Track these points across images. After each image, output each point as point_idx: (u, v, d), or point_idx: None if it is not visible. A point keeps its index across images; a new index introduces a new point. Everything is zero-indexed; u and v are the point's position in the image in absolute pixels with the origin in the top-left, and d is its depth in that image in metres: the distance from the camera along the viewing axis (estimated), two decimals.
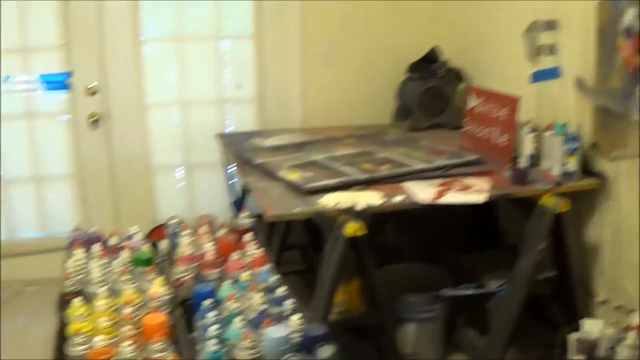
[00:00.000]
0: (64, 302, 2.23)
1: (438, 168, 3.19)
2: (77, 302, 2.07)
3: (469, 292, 3.21)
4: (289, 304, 2.03)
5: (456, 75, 4.14)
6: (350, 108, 4.40)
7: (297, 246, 4.19)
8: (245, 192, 3.97)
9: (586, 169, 3.04)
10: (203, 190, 4.50)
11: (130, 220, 4.01)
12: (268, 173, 3.22)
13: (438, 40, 4.25)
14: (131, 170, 4.33)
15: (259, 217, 2.90)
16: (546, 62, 3.29)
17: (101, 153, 4.28)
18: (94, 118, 4.21)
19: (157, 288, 2.14)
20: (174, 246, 2.56)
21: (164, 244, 2.65)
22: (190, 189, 4.51)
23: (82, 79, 4.17)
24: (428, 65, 4.15)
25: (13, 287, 4.30)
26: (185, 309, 2.16)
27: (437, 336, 3.39)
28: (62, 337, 2.06)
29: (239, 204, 4.00)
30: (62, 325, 2.11)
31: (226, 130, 4.41)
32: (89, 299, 2.14)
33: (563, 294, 3.07)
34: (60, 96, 4.25)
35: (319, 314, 2.74)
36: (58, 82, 4.21)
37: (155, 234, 2.75)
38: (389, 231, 3.83)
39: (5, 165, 4.29)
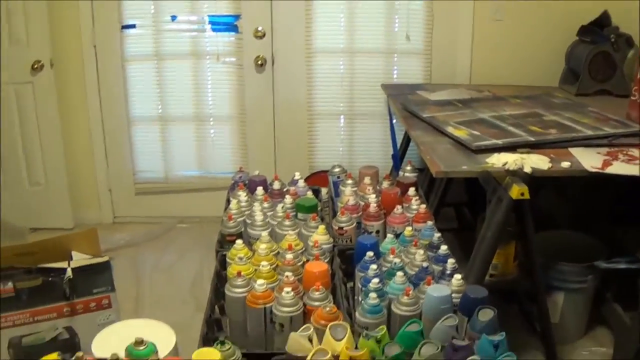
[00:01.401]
0: (224, 242, 2.26)
1: (606, 136, 3.03)
2: (238, 243, 2.09)
3: (622, 265, 3.07)
4: (450, 263, 1.98)
5: (627, 42, 3.92)
6: (517, 68, 4.25)
7: (453, 204, 4.13)
8: (408, 144, 3.93)
9: None
10: (363, 140, 4.48)
11: (288, 165, 4.09)
12: (434, 128, 3.16)
13: (610, 5, 4.02)
14: (292, 116, 4.37)
15: (421, 171, 2.86)
16: None
17: (264, 97, 4.33)
18: (259, 61, 4.25)
19: (320, 236, 2.14)
20: (335, 194, 2.55)
21: (324, 192, 2.65)
22: (350, 138, 4.49)
23: (250, 22, 4.21)
24: (599, 30, 3.95)
25: (166, 223, 4.44)
26: (345, 259, 2.14)
27: (585, 307, 3.29)
28: (221, 278, 2.09)
29: (401, 157, 3.97)
30: (222, 266, 2.14)
31: (391, 82, 4.34)
32: (249, 241, 2.16)
33: None
34: (227, 38, 4.29)
35: (475, 275, 2.68)
36: (226, 24, 4.27)
37: (314, 180, 2.75)
38: (544, 196, 3.71)
39: (168, 104, 4.41)
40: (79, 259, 2.93)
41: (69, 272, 2.79)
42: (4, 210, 4.47)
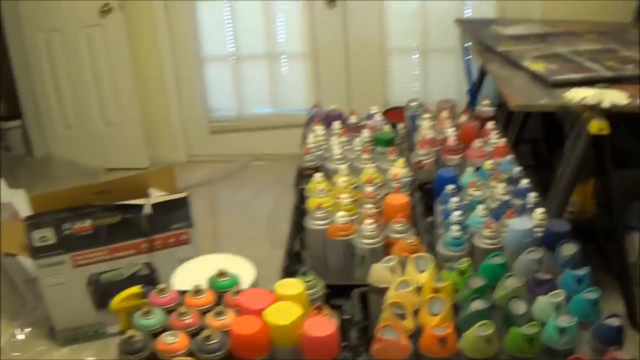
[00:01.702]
0: (302, 176, 2.25)
1: None
2: (317, 177, 2.08)
3: None
4: (532, 196, 1.93)
5: None
6: (590, 3, 4.10)
7: (529, 140, 4.05)
8: (483, 79, 3.86)
9: None
10: (437, 75, 4.42)
11: (362, 101, 4.05)
12: (510, 62, 3.09)
13: None
14: (365, 52, 4.32)
15: (498, 106, 2.80)
16: None
17: (337, 33, 4.29)
18: None
19: (399, 169, 2.11)
20: (412, 129, 2.52)
21: (401, 126, 2.62)
22: (424, 73, 4.43)
23: None
24: None
25: (241, 161, 4.46)
26: (424, 192, 2.11)
27: None
28: (300, 211, 2.08)
29: (476, 92, 3.90)
30: (301, 200, 2.13)
31: (465, 17, 4.25)
32: (328, 175, 2.15)
33: None
34: None
35: (554, 212, 2.63)
36: None
37: (389, 116, 2.71)
38: (621, 134, 3.61)
39: (240, 42, 4.40)
40: (157, 195, 2.96)
41: (148, 209, 2.82)
42: (79, 151, 4.56)
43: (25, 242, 2.92)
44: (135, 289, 1.68)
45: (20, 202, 3.72)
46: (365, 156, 2.19)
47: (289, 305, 1.43)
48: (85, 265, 2.90)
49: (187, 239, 2.89)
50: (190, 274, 2.13)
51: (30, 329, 3.24)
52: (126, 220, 2.84)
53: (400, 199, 1.93)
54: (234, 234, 3.69)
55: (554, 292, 1.49)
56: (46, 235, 2.84)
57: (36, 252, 2.87)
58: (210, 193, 4.17)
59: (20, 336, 3.21)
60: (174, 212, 2.86)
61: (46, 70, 4.56)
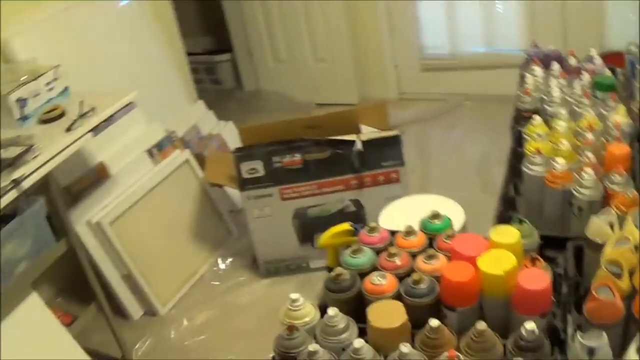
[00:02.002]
0: (520, 119, 2.16)
1: None
2: (537, 119, 1.98)
3: None
4: None
5: None
6: None
7: None
8: None
9: None
10: None
11: (578, 42, 3.81)
12: None
13: None
14: None
15: None
16: None
17: None
18: None
19: (620, 117, 1.97)
20: (632, 75, 2.33)
21: (620, 72, 2.43)
22: None
23: None
24: None
25: (452, 100, 4.37)
26: None
27: None
28: (517, 155, 2.00)
29: None
30: (517, 143, 2.05)
31: None
32: (545, 118, 2.04)
33: None
34: None
35: None
36: None
37: (608, 60, 2.52)
38: None
39: None
40: (368, 132, 2.95)
41: (359, 145, 2.82)
42: (289, 86, 4.64)
43: (232, 174, 3.02)
44: (345, 225, 1.67)
45: (228, 134, 3.86)
46: (585, 101, 2.06)
47: (503, 254, 1.37)
48: (293, 199, 2.97)
49: (397, 178, 2.87)
50: (399, 214, 2.11)
51: (232, 259, 3.39)
52: (336, 155, 2.87)
53: (621, 148, 1.80)
54: (443, 175, 3.64)
55: None
56: (255, 168, 2.93)
57: (244, 184, 2.98)
58: (419, 132, 4.13)
59: (222, 265, 3.36)
60: (385, 150, 2.85)
61: (257, 4, 4.65)
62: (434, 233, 1.58)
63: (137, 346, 2.98)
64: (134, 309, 3.16)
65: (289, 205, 3.00)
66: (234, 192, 3.62)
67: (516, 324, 1.28)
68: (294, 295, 1.40)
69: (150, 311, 3.18)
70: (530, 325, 1.22)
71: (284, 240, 3.09)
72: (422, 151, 3.94)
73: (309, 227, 3.04)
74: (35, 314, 2.43)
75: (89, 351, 2.58)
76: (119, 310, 3.09)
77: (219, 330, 2.99)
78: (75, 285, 2.91)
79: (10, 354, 2.31)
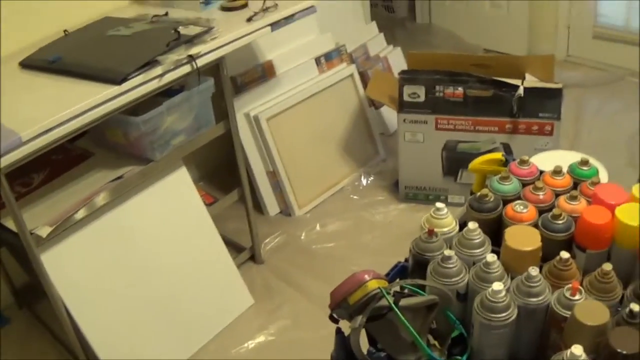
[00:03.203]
0: None
1: None
2: None
3: None
4: None
5: None
6: None
7: None
8: None
9: None
10: None
11: None
12: None
13: None
14: None
15: None
16: None
17: None
18: None
19: None
20: None
21: None
22: None
23: None
24: None
25: (616, 73, 4.28)
26: None
27: None
28: None
29: None
30: None
31: None
32: None
33: None
34: None
35: None
36: None
37: None
38: None
39: None
40: (532, 80, 2.97)
41: (521, 90, 2.85)
42: (460, 25, 4.64)
43: (393, 95, 3.10)
44: (498, 155, 1.75)
45: (394, 59, 3.93)
46: None
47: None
48: (446, 130, 3.03)
49: (551, 131, 2.88)
50: (547, 162, 2.15)
51: (374, 178, 3.50)
52: (497, 96, 2.90)
53: None
54: (592, 142, 3.60)
55: None
56: (417, 93, 3.01)
57: (403, 106, 3.06)
58: (579, 96, 4.07)
59: (364, 182, 3.48)
60: (545, 101, 2.85)
61: None
62: (580, 178, 1.63)
63: (266, 240, 3.17)
64: (271, 206, 3.34)
65: (441, 136, 3.06)
66: (388, 116, 3.72)
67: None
68: (439, 204, 1.51)
69: (286, 211, 3.35)
70: None
71: (429, 169, 3.17)
72: (577, 115, 3.89)
73: (455, 161, 3.10)
74: (181, 186, 2.60)
75: (220, 235, 2.75)
76: (256, 205, 3.26)
77: (348, 242, 3.12)
78: (217, 174, 3.07)
79: (152, 218, 2.50)
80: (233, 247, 2.95)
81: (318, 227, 3.23)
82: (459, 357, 1.34)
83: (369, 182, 3.49)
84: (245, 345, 2.66)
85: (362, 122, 3.58)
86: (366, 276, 1.36)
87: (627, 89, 4.15)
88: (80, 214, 2.22)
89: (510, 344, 1.32)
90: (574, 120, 3.82)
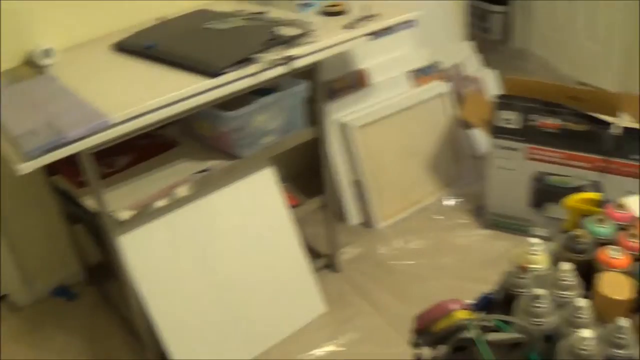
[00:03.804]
0: None
1: None
2: None
3: None
4: None
5: None
6: None
7: None
8: None
9: None
10: None
11: None
12: None
13: None
14: None
15: None
16: None
17: None
18: None
19: None
20: None
21: None
22: None
23: None
24: None
25: None
26: None
27: None
28: None
29: None
30: None
31: None
32: None
33: None
34: None
35: None
36: None
37: None
38: None
39: None
40: (629, 119, 2.91)
41: (616, 129, 2.80)
42: (556, 55, 4.56)
43: (487, 118, 3.08)
44: (595, 195, 1.72)
45: (488, 81, 3.90)
46: None
47: None
48: (538, 160, 3.00)
49: None
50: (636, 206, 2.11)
51: (458, 201, 3.48)
52: (592, 132, 2.86)
53: None
54: None
55: None
56: (511, 119, 2.99)
57: (497, 131, 3.04)
58: None
59: (448, 203, 3.46)
60: (637, 143, 2.80)
61: None
62: None
63: (344, 249, 3.17)
64: (353, 215, 3.36)
65: (531, 166, 3.03)
66: (478, 139, 3.70)
67: None
68: (534, 240, 1.50)
69: (367, 223, 3.36)
70: None
71: (516, 198, 3.14)
72: None
73: (543, 193, 3.06)
74: (267, 185, 2.63)
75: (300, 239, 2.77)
76: (338, 213, 3.29)
77: (427, 261, 3.11)
78: (302, 177, 3.09)
79: (233, 214, 2.54)
80: (311, 252, 2.96)
81: (398, 243, 3.23)
82: None
83: (453, 204, 3.48)
84: (312, 352, 2.67)
85: (451, 142, 3.57)
86: (454, 305, 1.36)
87: None
88: (162, 203, 2.27)
89: None
90: None
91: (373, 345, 2.67)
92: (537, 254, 1.50)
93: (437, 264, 3.08)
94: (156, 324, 2.37)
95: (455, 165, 3.60)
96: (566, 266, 1.40)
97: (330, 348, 2.69)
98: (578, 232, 1.53)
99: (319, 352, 2.67)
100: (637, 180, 2.81)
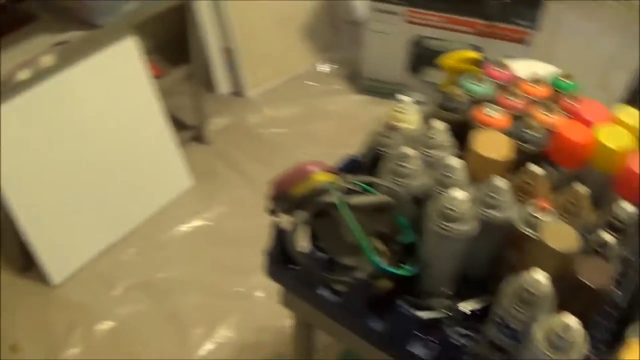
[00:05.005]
0: None
1: None
2: None
3: None
4: None
5: None
6: None
7: None
8: None
9: None
10: None
11: None
12: None
13: None
14: None
15: None
16: None
17: None
18: None
19: None
20: None
21: None
22: None
23: None
24: None
25: None
26: None
27: None
28: None
29: None
30: None
31: None
32: None
33: None
34: None
35: None
36: None
37: None
38: None
39: None
40: None
41: None
42: None
43: None
44: (474, 54, 1.59)
45: None
46: None
47: (621, 132, 1.29)
48: (417, 24, 2.89)
49: (525, 40, 2.75)
50: (522, 71, 2.02)
51: (334, 67, 3.34)
52: None
53: None
54: (564, 58, 3.47)
55: None
56: None
57: None
58: (557, 11, 3.91)
59: (322, 69, 3.32)
60: (525, 8, 2.72)
61: None
62: (560, 91, 1.49)
63: (212, 120, 3.01)
64: (222, 84, 3.16)
65: (411, 29, 2.91)
66: (360, 4, 3.53)
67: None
68: (405, 98, 1.36)
69: (237, 91, 3.18)
70: (625, 205, 1.17)
71: (393, 63, 3.03)
72: (553, 29, 3.75)
73: (422, 58, 2.97)
74: (129, 56, 2.44)
75: (166, 111, 2.61)
76: (206, 83, 3.09)
77: (299, 129, 3.00)
78: (169, 47, 2.90)
79: (96, 86, 2.35)
80: (177, 124, 2.78)
81: (269, 111, 3.09)
82: (405, 267, 1.21)
83: (328, 70, 3.34)
84: (178, 228, 2.56)
85: (328, 6, 3.39)
86: (313, 167, 1.22)
87: (608, 11, 4.01)
88: (24, 75, 2.06)
89: (467, 258, 1.20)
90: (550, 34, 3.68)
91: (241, 219, 2.57)
92: (408, 112, 1.36)
93: (309, 131, 2.97)
94: (10, 204, 2.17)
95: (331, 30, 3.43)
96: (438, 124, 1.27)
97: (197, 223, 2.58)
98: (454, 89, 1.40)
99: (185, 227, 2.56)
100: (520, 46, 2.75)
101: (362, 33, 3.08)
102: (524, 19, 2.72)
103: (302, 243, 1.26)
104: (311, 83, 3.25)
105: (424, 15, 2.84)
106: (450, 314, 1.20)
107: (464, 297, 1.23)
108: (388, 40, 2.95)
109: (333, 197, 1.19)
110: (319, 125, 3.00)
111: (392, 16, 2.89)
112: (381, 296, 1.21)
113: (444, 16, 2.81)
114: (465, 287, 1.25)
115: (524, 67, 1.92)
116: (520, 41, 2.75)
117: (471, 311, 1.20)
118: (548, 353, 0.97)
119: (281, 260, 1.31)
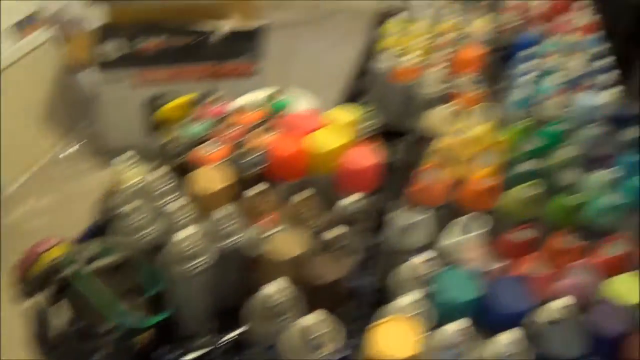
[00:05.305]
0: (382, 20, 2.15)
1: None
2: (394, 19, 1.99)
3: None
4: (611, 75, 1.81)
5: None
6: None
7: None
8: None
9: None
10: None
11: None
12: None
13: None
14: None
15: None
16: None
17: None
18: None
19: (482, 24, 1.99)
20: None
21: None
22: None
23: None
24: None
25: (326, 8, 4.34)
26: (500, 59, 2.00)
27: None
28: (370, 54, 2.01)
29: None
30: (374, 43, 2.05)
31: None
32: (409, 20, 2.04)
33: None
34: None
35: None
36: None
37: None
38: None
39: None
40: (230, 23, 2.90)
41: (220, 33, 2.77)
42: None
43: (92, 55, 2.92)
44: (186, 97, 1.64)
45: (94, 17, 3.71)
46: (452, 6, 2.07)
47: (333, 133, 1.38)
48: (148, 85, 2.90)
49: (252, 72, 2.83)
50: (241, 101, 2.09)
51: (81, 145, 3.31)
52: (196, 43, 2.81)
53: (472, 51, 1.83)
54: (304, 79, 3.62)
55: (607, 170, 1.39)
56: (114, 49, 2.84)
57: (101, 66, 2.91)
58: (289, 35, 4.08)
59: (71, 150, 3.28)
60: (244, 42, 2.80)
61: None
62: (276, 111, 1.57)
63: None
64: None
65: (142, 92, 2.90)
66: (88, 78, 3.51)
67: None
68: (124, 156, 1.38)
69: None
70: (348, 198, 1.24)
71: (132, 128, 2.97)
72: (288, 54, 3.89)
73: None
74: None
75: None
76: None
77: (60, 215, 2.93)
78: None
79: None
80: None
81: (27, 205, 3.00)
82: (157, 316, 1.22)
83: (76, 149, 3.30)
84: None
85: (64, 88, 3.34)
86: (43, 247, 1.21)
87: (340, 23, 4.22)
88: None
89: (214, 291, 1.23)
90: (284, 60, 3.81)
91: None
92: (129, 169, 1.37)
93: (69, 215, 2.88)
94: None
95: (72, 110, 3.38)
96: (156, 173, 1.30)
97: None
98: (169, 137, 1.43)
99: None
100: (250, 79, 2.82)
101: (97, 105, 3.06)
102: (244, 53, 2.80)
103: (55, 322, 1.24)
104: (63, 168, 3.20)
105: (152, 74, 2.86)
106: (211, 348, 1.22)
107: (226, 330, 1.26)
108: (123, 107, 2.93)
109: (69, 269, 1.19)
110: (77, 206, 2.93)
111: (120, 83, 2.89)
112: (148, 349, 1.22)
113: (172, 70, 2.84)
114: (226, 319, 1.27)
115: (245, 98, 2.00)
116: (248, 74, 2.83)
117: (229, 340, 1.23)
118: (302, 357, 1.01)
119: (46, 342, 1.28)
